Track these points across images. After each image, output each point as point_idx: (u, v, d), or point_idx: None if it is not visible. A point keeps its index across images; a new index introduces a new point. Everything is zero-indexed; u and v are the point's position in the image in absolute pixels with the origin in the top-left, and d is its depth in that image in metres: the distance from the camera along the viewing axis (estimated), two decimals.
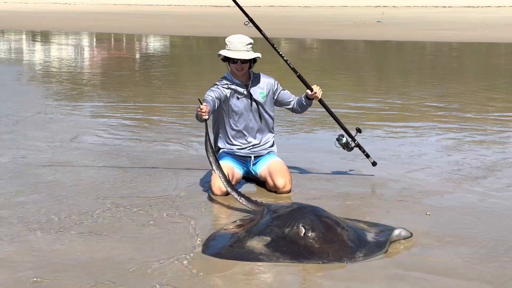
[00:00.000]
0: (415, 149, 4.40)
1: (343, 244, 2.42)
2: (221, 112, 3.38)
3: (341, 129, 3.61)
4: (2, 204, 3.12)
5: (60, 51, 14.94)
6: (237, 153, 3.42)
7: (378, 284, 2.20)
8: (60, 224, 2.80)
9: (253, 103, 3.37)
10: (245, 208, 2.94)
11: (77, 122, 5.55)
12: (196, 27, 22.01)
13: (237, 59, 3.22)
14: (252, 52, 3.27)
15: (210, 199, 3.22)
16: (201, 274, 2.27)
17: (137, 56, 14.40)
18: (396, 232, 2.51)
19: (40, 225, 2.78)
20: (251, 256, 2.38)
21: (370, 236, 2.51)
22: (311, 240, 2.42)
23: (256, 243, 2.46)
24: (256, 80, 3.41)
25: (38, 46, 16.63)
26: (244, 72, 3.33)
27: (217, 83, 3.38)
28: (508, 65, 12.40)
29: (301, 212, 2.55)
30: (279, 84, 3.52)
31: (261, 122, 3.44)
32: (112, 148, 4.47)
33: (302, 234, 2.43)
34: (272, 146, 3.55)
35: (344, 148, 3.54)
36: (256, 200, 2.95)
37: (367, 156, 3.60)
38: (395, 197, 3.27)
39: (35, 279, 2.21)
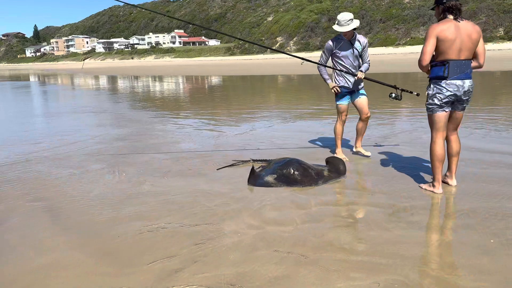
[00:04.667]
0: None
1: (312, 177, 4.88)
2: (334, 59, 5.57)
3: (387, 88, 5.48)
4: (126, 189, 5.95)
5: (168, 85, 25.40)
6: (348, 88, 5.61)
7: (330, 195, 4.45)
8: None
9: (354, 50, 5.44)
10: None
11: (178, 124, 8.54)
12: (236, 71, 32.32)
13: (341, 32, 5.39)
14: (350, 25, 5.24)
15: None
16: (243, 195, 4.84)
17: (206, 86, 22.66)
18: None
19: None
20: (267, 184, 4.86)
21: (325, 173, 5.01)
22: (296, 176, 4.89)
23: (269, 178, 4.96)
24: (357, 37, 5.44)
25: (157, 83, 27.75)
26: (349, 35, 5.37)
27: (330, 41, 5.52)
28: None
29: (291, 161, 5.05)
30: (367, 47, 5.54)
31: (358, 62, 5.51)
32: (192, 135, 7.29)
33: (292, 173, 4.94)
34: (362, 81, 5.64)
35: (396, 99, 5.09)
36: (268, 159, 5.54)
37: (411, 92, 5.27)
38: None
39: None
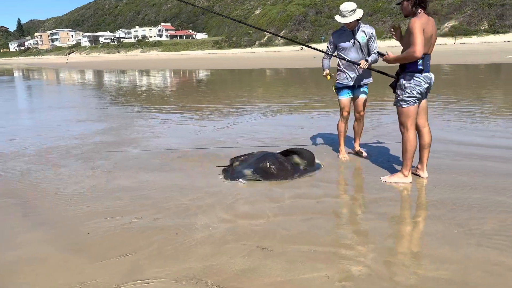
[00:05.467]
0: None
1: (287, 170, 4.94)
2: (338, 52, 5.21)
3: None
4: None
5: (155, 79, 24.58)
6: (348, 84, 5.23)
7: (304, 188, 4.55)
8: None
9: (356, 42, 5.08)
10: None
11: (160, 118, 8.36)
12: (224, 64, 30.58)
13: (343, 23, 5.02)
14: (353, 16, 4.94)
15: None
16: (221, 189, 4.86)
17: (193, 80, 22.66)
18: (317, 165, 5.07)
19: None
20: (244, 177, 4.91)
21: (301, 167, 5.06)
22: (272, 169, 4.94)
23: (247, 171, 5.00)
24: (361, 28, 5.09)
25: (143, 77, 26.69)
26: (352, 25, 5.02)
27: (332, 33, 5.24)
28: None
29: (267, 155, 5.09)
30: (375, 37, 5.11)
31: (362, 55, 5.11)
32: (173, 128, 7.18)
33: (268, 166, 4.97)
34: (369, 77, 5.26)
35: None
36: (251, 153, 5.55)
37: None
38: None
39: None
